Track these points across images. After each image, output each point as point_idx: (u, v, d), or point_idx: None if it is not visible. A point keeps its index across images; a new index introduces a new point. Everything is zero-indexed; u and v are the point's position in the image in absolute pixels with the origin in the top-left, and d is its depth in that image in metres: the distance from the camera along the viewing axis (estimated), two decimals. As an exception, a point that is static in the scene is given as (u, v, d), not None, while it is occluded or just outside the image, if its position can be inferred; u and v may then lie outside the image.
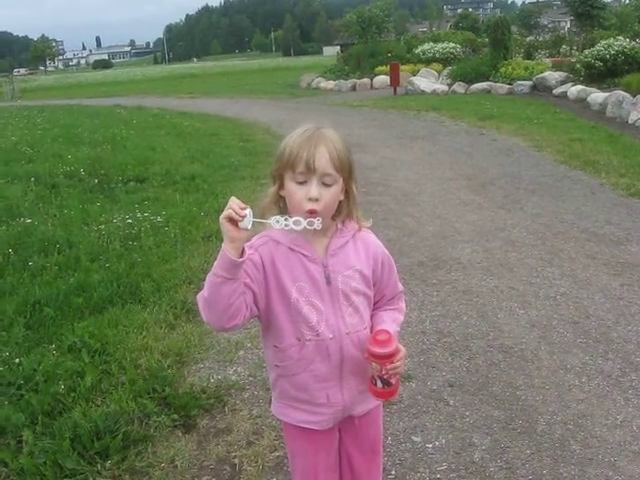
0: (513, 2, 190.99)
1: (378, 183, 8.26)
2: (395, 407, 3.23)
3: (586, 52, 18.22)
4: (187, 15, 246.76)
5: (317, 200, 1.67)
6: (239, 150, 11.72)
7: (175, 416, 3.23)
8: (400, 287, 1.99)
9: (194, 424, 3.21)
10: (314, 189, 1.67)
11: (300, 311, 1.76)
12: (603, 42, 18.06)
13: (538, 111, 14.97)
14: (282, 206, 1.77)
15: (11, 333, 4.13)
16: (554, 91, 17.95)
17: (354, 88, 25.91)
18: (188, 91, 31.35)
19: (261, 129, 14.96)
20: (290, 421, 1.92)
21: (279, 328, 1.79)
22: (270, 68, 56.96)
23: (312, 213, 1.68)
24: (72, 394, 3.38)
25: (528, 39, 28.31)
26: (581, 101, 16.02)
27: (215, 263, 1.60)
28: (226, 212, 1.53)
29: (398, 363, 1.75)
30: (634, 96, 13.38)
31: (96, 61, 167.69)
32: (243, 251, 1.59)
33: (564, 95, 17.26)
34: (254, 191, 8.13)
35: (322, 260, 1.78)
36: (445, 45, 27.51)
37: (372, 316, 1.91)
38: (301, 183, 1.69)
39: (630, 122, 12.68)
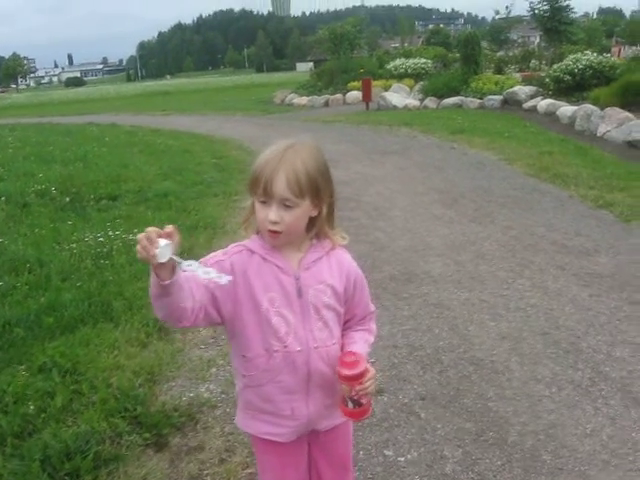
0: (484, 18, 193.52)
1: (350, 198, 8.29)
2: (367, 421, 3.23)
3: (555, 66, 18.51)
4: (160, 32, 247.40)
5: (277, 223, 1.69)
6: (212, 167, 11.71)
7: (147, 435, 3.20)
8: (371, 307, 2.02)
9: (166, 443, 3.18)
10: (272, 213, 1.69)
11: (270, 321, 1.77)
12: (571, 56, 18.37)
13: (508, 125, 15.14)
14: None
15: (-20, 354, 4.08)
16: (524, 105, 18.16)
17: (327, 104, 26.04)
18: (161, 108, 31.27)
19: (234, 146, 14.96)
20: (253, 432, 1.93)
21: (247, 337, 1.80)
22: (244, 85, 57.07)
23: (273, 234, 1.71)
24: (42, 415, 3.33)
25: (498, 54, 28.70)
26: (550, 115, 16.23)
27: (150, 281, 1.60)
28: (137, 247, 1.50)
29: (367, 384, 1.76)
30: (602, 109, 13.58)
31: (68, 79, 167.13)
32: (174, 270, 1.56)
33: (534, 109, 17.47)
34: (227, 207, 8.14)
35: (295, 273, 1.79)
36: (417, 60, 27.82)
37: (343, 335, 1.92)
38: (264, 202, 1.71)
39: (599, 135, 12.87)
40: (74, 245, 6.37)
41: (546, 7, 26.56)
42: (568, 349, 3.93)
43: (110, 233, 6.69)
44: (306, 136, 1.81)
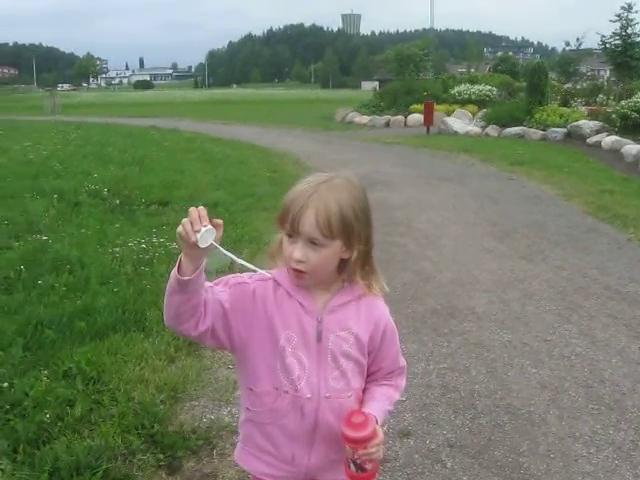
0: (554, 48, 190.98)
1: (400, 223, 8.14)
2: (389, 465, 3.08)
3: (623, 103, 18.05)
4: (230, 42, 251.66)
5: (302, 262, 1.58)
6: (266, 180, 11.69)
7: (161, 456, 3.10)
8: (402, 362, 1.86)
9: (179, 466, 3.08)
10: (298, 251, 1.58)
11: (284, 360, 1.65)
12: (640, 93, 17.89)
13: (570, 159, 14.78)
14: None
15: (8, 353, 4.05)
16: (588, 140, 17.72)
17: (388, 124, 25.96)
18: (225, 117, 31.63)
19: (291, 160, 14.95)
20: (251, 471, 1.81)
21: (257, 370, 1.69)
22: (308, 99, 57.38)
23: (298, 273, 1.60)
24: (59, 423, 3.27)
25: (566, 86, 28.17)
26: (615, 152, 15.78)
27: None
28: (179, 228, 1.45)
29: (372, 450, 1.61)
30: (670, 150, 13.18)
31: (138, 81, 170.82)
32: (199, 270, 1.51)
33: (598, 145, 17.02)
34: (274, 222, 8.04)
35: (318, 314, 1.67)
36: (481, 87, 27.56)
37: (365, 389, 1.78)
38: (291, 237, 1.59)
39: (664, 177, 12.45)
40: (117, 249, 6.37)
41: (618, 41, 26.04)
42: (612, 406, 3.69)
43: (154, 240, 6.67)
44: (348, 171, 1.69)
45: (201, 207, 1.47)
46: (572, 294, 5.63)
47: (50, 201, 8.60)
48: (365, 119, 27.37)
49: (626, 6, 26.27)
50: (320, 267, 1.61)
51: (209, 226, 1.46)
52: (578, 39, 35.80)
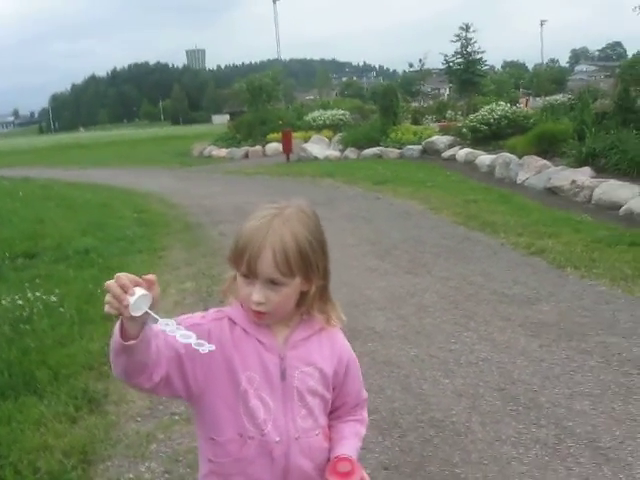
0: (395, 71, 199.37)
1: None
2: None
3: (471, 117, 19.05)
4: (73, 84, 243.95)
5: (262, 303, 1.47)
6: (134, 221, 11.30)
7: (82, 527, 2.85)
8: (364, 394, 1.78)
9: (105, 534, 2.83)
10: (256, 293, 1.47)
11: (247, 404, 1.52)
12: (486, 107, 18.96)
13: (430, 174, 15.34)
14: None
15: None
16: (443, 154, 18.52)
17: (247, 156, 25.95)
18: (77, 162, 30.52)
19: (155, 199, 14.58)
20: None
21: (218, 417, 1.54)
22: (160, 137, 56.46)
23: (258, 315, 1.49)
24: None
25: (414, 105, 29.40)
26: (469, 163, 16.58)
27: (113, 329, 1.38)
28: (106, 297, 1.28)
29: None
30: (520, 157, 13.96)
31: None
32: (143, 326, 1.35)
33: (453, 158, 17.83)
34: (153, 264, 7.79)
35: (280, 351, 1.55)
36: (335, 112, 28.19)
37: (330, 427, 1.68)
38: (247, 277, 1.48)
39: (519, 182, 13.17)
40: (-10, 309, 5.90)
41: (460, 60, 27.54)
42: (528, 405, 3.78)
43: (29, 295, 6.23)
44: (297, 198, 1.60)
45: (123, 274, 1.30)
46: (464, 302, 5.77)
47: None
48: (223, 152, 27.23)
49: (464, 26, 27.89)
50: (281, 306, 1.51)
51: (142, 291, 1.29)
52: (420, 60, 37.56)
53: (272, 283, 1.46)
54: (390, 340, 4.96)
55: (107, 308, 1.28)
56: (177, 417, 3.80)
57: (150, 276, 1.33)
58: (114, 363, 1.42)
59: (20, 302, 5.98)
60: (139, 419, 3.85)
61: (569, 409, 3.71)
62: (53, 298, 6.11)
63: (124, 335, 1.35)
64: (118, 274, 1.29)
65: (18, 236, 9.63)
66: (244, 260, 1.46)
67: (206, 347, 1.38)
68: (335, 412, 1.70)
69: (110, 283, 1.27)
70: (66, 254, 8.35)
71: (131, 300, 1.27)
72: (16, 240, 9.30)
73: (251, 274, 1.46)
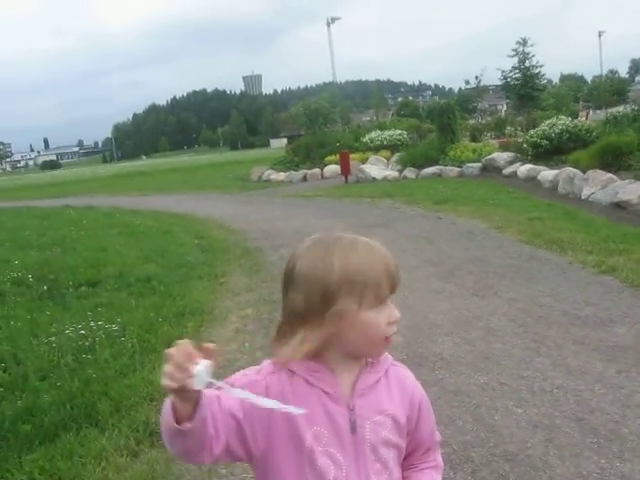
0: (451, 89, 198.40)
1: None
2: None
3: (532, 132, 18.66)
4: (134, 114, 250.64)
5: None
6: (194, 247, 11.35)
7: None
8: (438, 436, 1.62)
9: None
10: (395, 309, 1.39)
11: (315, 464, 1.36)
12: (547, 122, 18.57)
13: (491, 191, 15.04)
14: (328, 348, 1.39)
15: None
16: (503, 171, 18.16)
17: (305, 179, 25.95)
18: (138, 189, 31.09)
19: (215, 224, 14.65)
20: None
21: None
22: (219, 162, 57.22)
23: (389, 341, 1.38)
24: None
25: (471, 122, 29.07)
26: (531, 179, 16.19)
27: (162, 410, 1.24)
28: (164, 380, 1.15)
29: None
30: (584, 172, 13.55)
31: (44, 162, 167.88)
32: (197, 407, 1.22)
33: (514, 175, 17.44)
34: (214, 291, 7.76)
35: (347, 401, 1.40)
36: (392, 132, 28.05)
37: (405, 478, 1.51)
38: (379, 307, 1.37)
39: (583, 197, 12.78)
40: (53, 338, 5.93)
41: (518, 75, 27.17)
42: (609, 437, 3.54)
43: (92, 324, 6.25)
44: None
45: (183, 344, 1.17)
46: (534, 325, 5.53)
47: (-30, 296, 8.04)
48: (282, 176, 27.32)
49: (521, 41, 27.54)
50: None
51: (205, 362, 1.16)
52: (477, 77, 37.23)
53: None
54: (458, 367, 4.76)
55: (167, 381, 1.15)
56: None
57: (210, 346, 1.20)
58: (170, 446, 1.30)
59: (83, 332, 6.00)
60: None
61: (655, 441, 3.46)
62: (115, 327, 6.11)
63: (177, 416, 1.22)
64: (179, 345, 1.17)
65: (82, 264, 9.75)
66: (385, 282, 1.38)
67: (295, 409, 1.25)
68: (407, 459, 1.54)
69: (172, 351, 1.16)
70: (128, 282, 8.40)
71: (197, 371, 1.15)
72: (80, 268, 9.41)
73: (393, 291, 1.39)
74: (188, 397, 1.20)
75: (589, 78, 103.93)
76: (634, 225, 9.59)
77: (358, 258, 1.36)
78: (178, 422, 1.22)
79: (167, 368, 1.15)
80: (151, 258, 10.27)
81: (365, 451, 1.40)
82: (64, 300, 7.66)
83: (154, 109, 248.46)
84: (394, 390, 1.47)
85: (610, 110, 25.57)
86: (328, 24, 41.73)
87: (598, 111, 36.45)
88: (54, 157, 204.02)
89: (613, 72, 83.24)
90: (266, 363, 1.42)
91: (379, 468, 1.42)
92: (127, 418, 4.17)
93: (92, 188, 36.88)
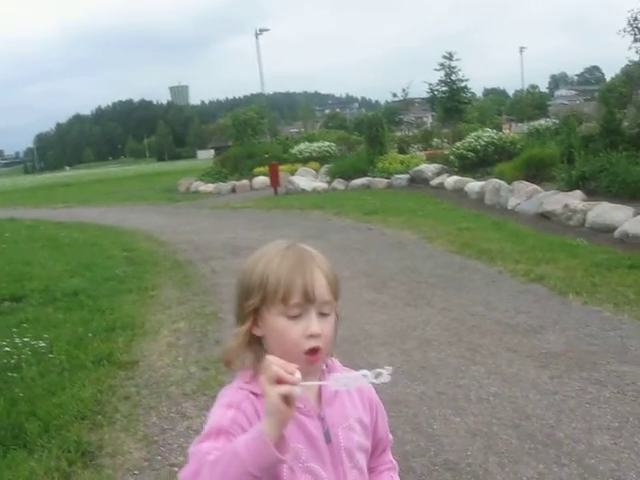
0: (377, 101, 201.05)
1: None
2: None
3: (458, 144, 19.06)
4: (58, 124, 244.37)
5: (319, 335, 1.30)
6: (123, 260, 11.08)
7: None
8: (391, 436, 1.60)
9: None
10: (315, 323, 1.29)
11: None
12: (473, 134, 18.99)
13: (420, 202, 15.27)
14: (257, 349, 1.35)
15: None
16: (431, 182, 18.49)
17: (234, 190, 25.78)
18: (62, 200, 30.25)
19: (144, 236, 14.37)
20: None
21: None
22: (146, 173, 56.33)
23: (314, 353, 1.30)
24: None
25: (399, 134, 29.50)
26: (459, 191, 16.52)
27: (243, 455, 1.14)
28: (274, 367, 1.16)
29: None
30: (509, 183, 13.92)
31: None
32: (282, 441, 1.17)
33: (441, 186, 17.78)
34: (144, 304, 7.58)
35: (317, 411, 1.36)
36: (320, 144, 28.21)
37: None
38: (294, 317, 1.30)
39: (509, 208, 13.12)
40: (-25, 357, 5.67)
41: (445, 88, 27.77)
42: (546, 442, 3.59)
43: (17, 340, 6.01)
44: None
45: (269, 357, 1.19)
46: (468, 334, 5.60)
47: None
48: (210, 187, 27.07)
49: (447, 55, 28.18)
50: (330, 340, 1.35)
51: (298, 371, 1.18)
52: (404, 90, 37.86)
53: (321, 314, 1.31)
54: (395, 377, 4.71)
55: (280, 392, 1.13)
56: (176, 468, 3.58)
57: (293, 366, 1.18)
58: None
59: (7, 349, 5.76)
60: (136, 472, 3.64)
61: (589, 445, 3.53)
62: (42, 343, 5.89)
63: (280, 450, 1.15)
64: (270, 357, 1.18)
65: (4, 279, 9.40)
66: (298, 290, 1.29)
67: (383, 376, 1.26)
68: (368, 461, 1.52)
69: (273, 358, 1.17)
70: (54, 296, 8.12)
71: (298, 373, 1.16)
72: (2, 283, 9.08)
73: (307, 302, 1.30)
74: (289, 418, 1.16)
75: (511, 92, 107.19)
76: (559, 234, 9.88)
77: (279, 264, 1.33)
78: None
79: (274, 368, 1.15)
80: (78, 271, 9.98)
81: (342, 459, 1.37)
82: (-14, 316, 7.35)
83: (78, 119, 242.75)
84: (354, 394, 1.45)
85: (532, 123, 26.41)
86: (256, 35, 41.68)
87: (520, 124, 37.56)
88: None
89: (534, 87, 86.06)
90: (228, 392, 1.34)
91: (356, 474, 1.40)
92: (57, 438, 4.00)
93: (14, 199, 35.65)
